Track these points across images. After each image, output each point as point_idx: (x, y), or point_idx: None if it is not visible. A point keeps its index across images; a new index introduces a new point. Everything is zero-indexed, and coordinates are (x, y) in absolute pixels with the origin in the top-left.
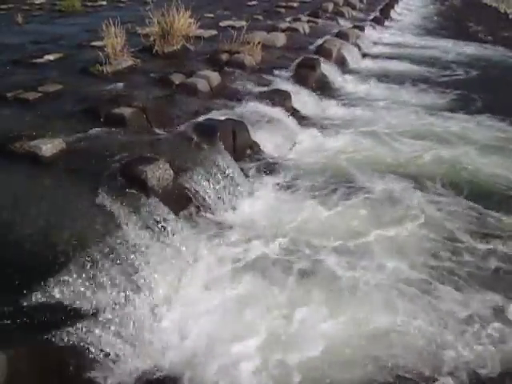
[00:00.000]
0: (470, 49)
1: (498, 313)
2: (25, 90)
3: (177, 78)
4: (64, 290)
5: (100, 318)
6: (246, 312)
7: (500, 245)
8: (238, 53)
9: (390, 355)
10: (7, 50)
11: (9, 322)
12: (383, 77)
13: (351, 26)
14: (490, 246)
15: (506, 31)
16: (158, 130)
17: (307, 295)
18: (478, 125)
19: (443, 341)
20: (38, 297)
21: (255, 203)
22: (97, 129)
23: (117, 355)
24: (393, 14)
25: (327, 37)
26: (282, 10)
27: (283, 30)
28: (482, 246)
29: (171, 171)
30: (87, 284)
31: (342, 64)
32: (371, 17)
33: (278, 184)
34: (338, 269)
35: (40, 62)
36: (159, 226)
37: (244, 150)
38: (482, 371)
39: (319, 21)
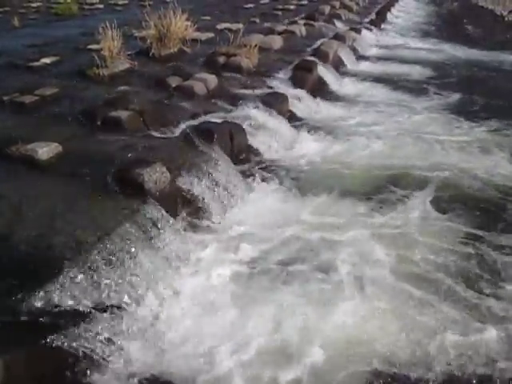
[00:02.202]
0: (466, 51)
1: None
2: (21, 94)
3: (174, 81)
4: (61, 293)
5: (98, 322)
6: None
7: None
8: (235, 55)
9: None
10: (3, 53)
11: (6, 326)
12: (380, 79)
13: (348, 28)
14: None
15: (502, 34)
16: (154, 133)
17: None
18: (478, 127)
19: None
20: (34, 301)
21: (253, 205)
22: (93, 132)
23: (116, 359)
24: (389, 16)
25: (324, 39)
26: (279, 13)
27: (280, 33)
28: None
29: (168, 174)
30: (84, 287)
31: (339, 66)
32: (368, 19)
33: (274, 186)
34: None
35: (36, 66)
36: (156, 228)
37: (241, 153)
38: None
39: (316, 23)
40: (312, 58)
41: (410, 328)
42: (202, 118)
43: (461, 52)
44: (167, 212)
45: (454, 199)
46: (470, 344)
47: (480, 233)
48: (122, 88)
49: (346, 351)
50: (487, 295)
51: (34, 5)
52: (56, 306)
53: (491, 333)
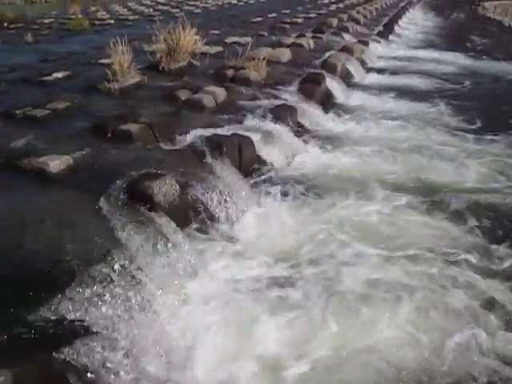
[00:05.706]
0: (475, 62)
1: None
2: (33, 108)
3: (183, 94)
4: (70, 306)
5: (106, 335)
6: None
7: None
8: (244, 68)
9: None
10: (17, 69)
11: (15, 339)
12: (388, 91)
13: (356, 40)
14: None
15: (511, 45)
16: (164, 146)
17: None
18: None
19: None
20: (44, 314)
21: (261, 218)
22: (104, 145)
23: (124, 373)
24: (397, 28)
25: (332, 52)
26: (287, 26)
27: (288, 46)
28: None
29: (177, 186)
30: (93, 300)
31: (347, 78)
32: (375, 31)
33: (283, 198)
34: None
35: (48, 80)
36: (165, 240)
37: (250, 165)
38: None
39: (324, 36)
40: (320, 71)
41: None
42: (211, 131)
43: (470, 63)
44: (176, 224)
45: None
46: None
47: None
48: (132, 101)
49: None
50: None
51: (47, 21)
52: (66, 319)
53: None
